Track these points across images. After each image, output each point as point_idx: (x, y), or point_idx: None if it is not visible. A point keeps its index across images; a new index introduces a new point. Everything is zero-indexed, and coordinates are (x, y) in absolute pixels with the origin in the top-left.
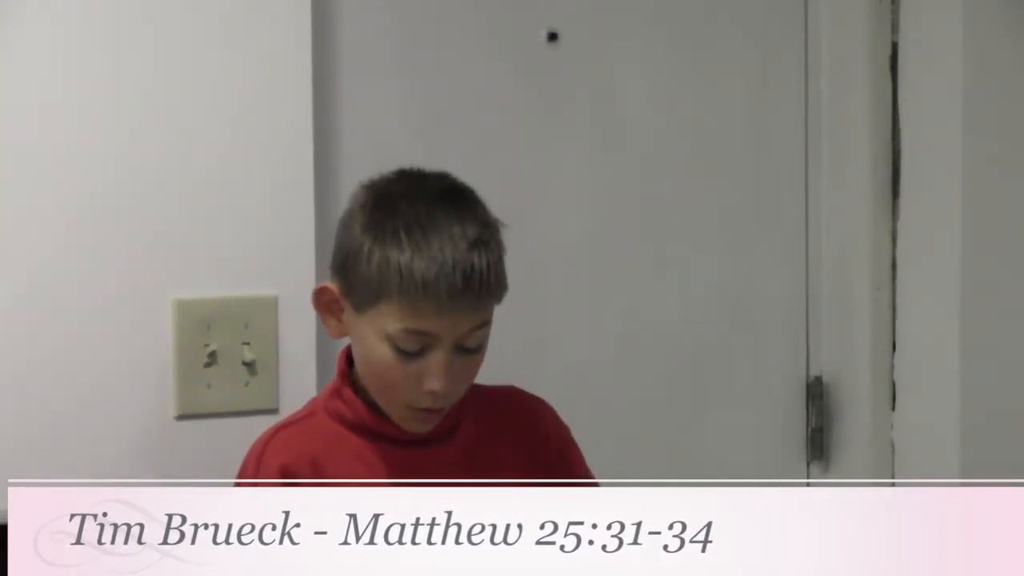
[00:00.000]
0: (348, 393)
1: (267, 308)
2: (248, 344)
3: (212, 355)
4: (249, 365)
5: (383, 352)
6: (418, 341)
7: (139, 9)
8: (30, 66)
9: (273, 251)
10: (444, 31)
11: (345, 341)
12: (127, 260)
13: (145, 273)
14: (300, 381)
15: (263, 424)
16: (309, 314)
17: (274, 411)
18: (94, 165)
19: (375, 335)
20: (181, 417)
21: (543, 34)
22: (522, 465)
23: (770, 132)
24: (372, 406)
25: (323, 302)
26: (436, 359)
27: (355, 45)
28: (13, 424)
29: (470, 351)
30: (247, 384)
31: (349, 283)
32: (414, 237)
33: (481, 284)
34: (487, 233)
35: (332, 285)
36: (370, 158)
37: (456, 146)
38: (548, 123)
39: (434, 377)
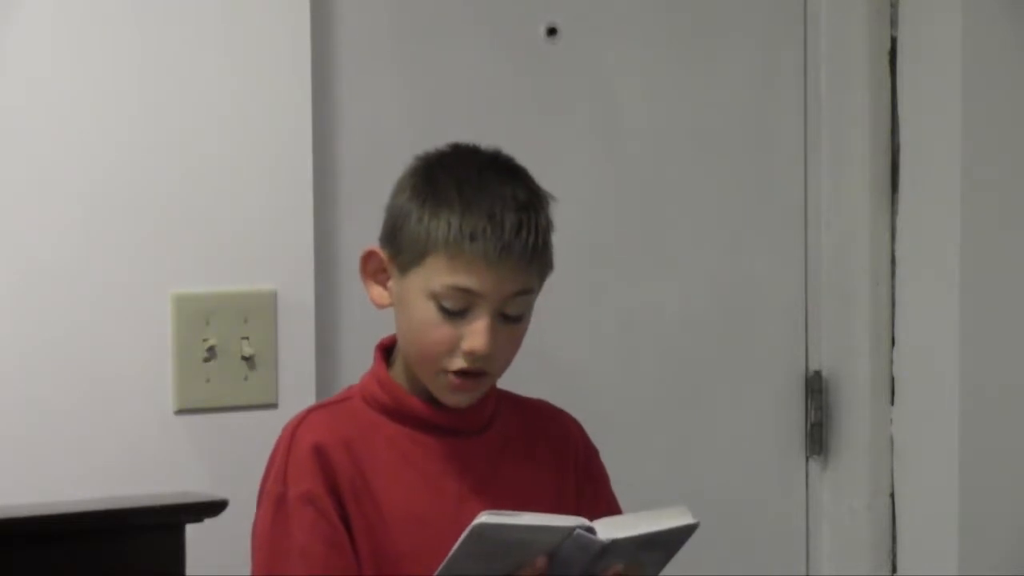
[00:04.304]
0: (385, 378)
1: (266, 303)
2: (247, 339)
3: (211, 350)
4: (248, 360)
5: (427, 311)
6: (463, 299)
7: (138, 7)
8: (29, 63)
9: (272, 246)
10: (443, 26)
11: (382, 333)
12: (126, 255)
13: (144, 268)
14: (299, 376)
15: (262, 419)
16: (308, 309)
17: (273, 406)
18: (93, 161)
19: (420, 295)
20: (180, 411)
21: (542, 29)
22: (552, 465)
23: (769, 127)
24: (409, 391)
25: (369, 268)
26: (479, 319)
27: (354, 39)
28: (13, 419)
29: (512, 319)
30: (246, 379)
31: (397, 245)
32: (465, 195)
33: (528, 243)
34: (537, 201)
35: (380, 251)
36: (368, 152)
37: (455, 140)
38: (547, 119)
39: (475, 337)
